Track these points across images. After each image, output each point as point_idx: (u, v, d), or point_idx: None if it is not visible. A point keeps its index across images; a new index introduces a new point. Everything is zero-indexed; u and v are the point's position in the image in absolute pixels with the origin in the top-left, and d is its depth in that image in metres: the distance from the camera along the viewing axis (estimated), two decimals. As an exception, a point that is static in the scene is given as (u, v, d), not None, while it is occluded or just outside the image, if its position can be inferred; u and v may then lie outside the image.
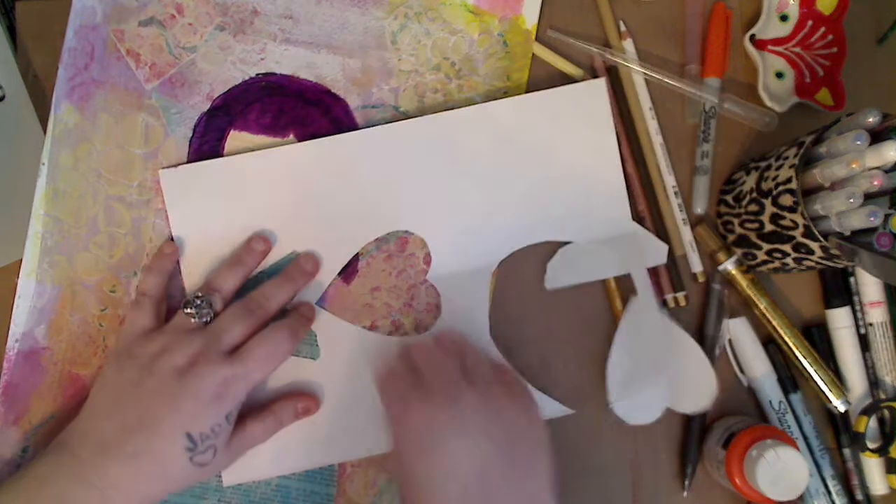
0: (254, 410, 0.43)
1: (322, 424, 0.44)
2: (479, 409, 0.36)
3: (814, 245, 0.38)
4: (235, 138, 0.46)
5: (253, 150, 0.46)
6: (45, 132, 0.46)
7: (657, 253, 0.46)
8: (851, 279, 0.47)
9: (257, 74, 0.46)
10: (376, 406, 0.44)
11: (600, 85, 0.46)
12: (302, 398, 0.44)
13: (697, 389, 0.45)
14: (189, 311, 0.41)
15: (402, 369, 0.40)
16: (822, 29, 0.47)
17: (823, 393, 0.45)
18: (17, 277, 0.45)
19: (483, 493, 0.34)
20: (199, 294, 0.41)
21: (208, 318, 0.41)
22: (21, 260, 0.45)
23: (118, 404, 0.39)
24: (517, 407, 0.38)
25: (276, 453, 0.44)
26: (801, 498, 0.45)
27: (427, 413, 0.36)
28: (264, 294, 0.43)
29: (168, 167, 0.45)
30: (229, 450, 0.40)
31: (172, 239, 0.45)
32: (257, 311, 0.42)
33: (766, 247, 0.43)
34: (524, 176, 0.46)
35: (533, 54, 0.47)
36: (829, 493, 0.46)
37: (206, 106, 0.46)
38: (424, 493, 0.35)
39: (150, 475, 0.37)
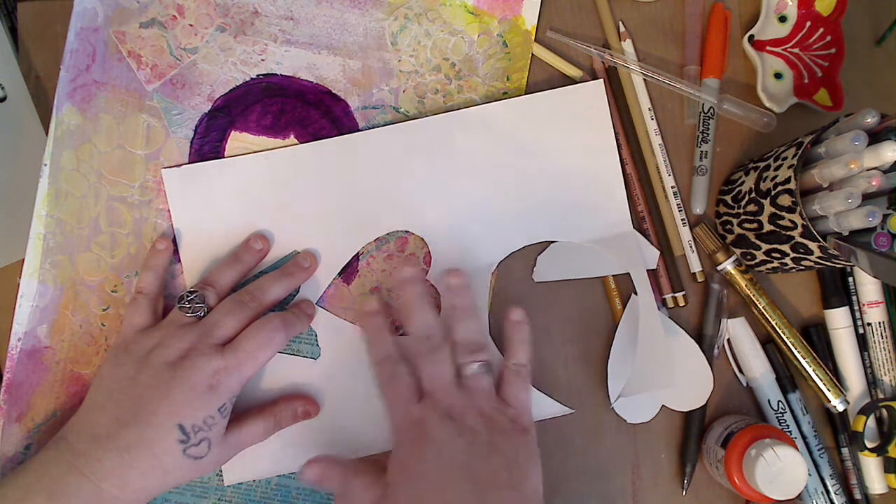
0: (254, 409, 0.43)
1: (322, 424, 0.44)
2: (464, 451, 0.37)
3: (812, 245, 0.39)
4: (236, 139, 0.46)
5: (254, 151, 0.46)
6: (46, 132, 0.46)
7: (648, 258, 0.46)
8: (850, 279, 0.47)
9: (258, 75, 0.47)
10: (376, 405, 0.44)
11: (599, 86, 0.46)
12: (302, 401, 0.44)
13: (695, 388, 0.45)
14: (182, 305, 0.41)
15: (404, 373, 0.41)
16: (821, 30, 0.47)
17: (822, 392, 0.45)
18: (19, 277, 0.45)
19: None
20: (193, 290, 0.42)
21: (202, 313, 0.41)
22: (23, 259, 0.45)
23: (113, 398, 0.39)
24: (506, 457, 0.38)
25: (277, 452, 0.44)
26: (799, 497, 0.45)
27: (421, 435, 0.38)
28: (259, 287, 0.43)
29: (171, 167, 0.46)
30: (226, 445, 0.40)
31: (174, 237, 0.45)
32: (250, 304, 0.42)
33: (764, 247, 0.43)
34: (524, 177, 0.46)
35: (532, 55, 0.48)
36: (827, 492, 0.46)
37: (207, 107, 0.46)
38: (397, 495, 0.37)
39: (143, 467, 0.37)
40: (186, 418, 0.38)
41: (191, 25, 0.47)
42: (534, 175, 0.46)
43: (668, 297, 0.46)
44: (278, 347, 0.41)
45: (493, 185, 0.46)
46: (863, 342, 0.46)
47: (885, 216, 0.37)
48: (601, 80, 0.46)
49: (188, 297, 0.41)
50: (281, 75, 0.47)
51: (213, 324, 0.41)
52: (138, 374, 0.39)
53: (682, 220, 0.47)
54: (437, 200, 0.46)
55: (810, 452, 0.46)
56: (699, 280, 0.47)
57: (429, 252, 0.46)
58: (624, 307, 0.46)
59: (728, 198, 0.46)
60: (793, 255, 0.41)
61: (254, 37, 0.47)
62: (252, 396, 0.44)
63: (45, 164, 0.45)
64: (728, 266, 0.46)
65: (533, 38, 0.48)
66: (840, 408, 0.45)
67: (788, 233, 0.40)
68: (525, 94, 0.47)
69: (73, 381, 0.45)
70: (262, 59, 0.47)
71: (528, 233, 0.46)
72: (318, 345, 0.45)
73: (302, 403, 0.44)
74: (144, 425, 0.37)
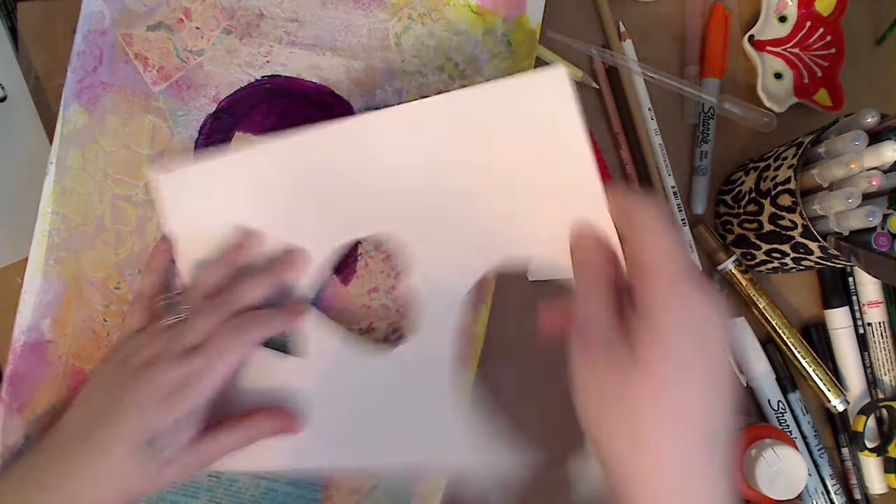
0: (233, 418, 0.40)
1: (319, 424, 0.42)
2: None
3: (812, 245, 0.39)
4: (240, 140, 0.47)
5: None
6: (46, 132, 0.46)
7: None
8: (850, 279, 0.47)
9: (263, 77, 0.47)
10: (370, 408, 0.42)
11: (560, 75, 0.35)
12: (284, 417, 0.41)
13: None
14: (162, 306, 0.41)
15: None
16: (821, 30, 0.47)
17: (822, 392, 0.45)
18: (20, 276, 0.45)
19: None
20: (173, 292, 0.41)
21: (183, 315, 0.40)
22: (23, 259, 0.45)
23: (93, 396, 0.39)
24: None
25: (274, 449, 0.42)
26: (799, 497, 0.45)
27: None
28: (239, 286, 0.41)
29: (162, 174, 0.43)
30: (197, 453, 0.38)
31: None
32: (223, 306, 0.40)
33: (765, 247, 0.43)
34: (480, 180, 0.38)
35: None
36: (827, 492, 0.46)
37: (212, 108, 0.47)
38: None
39: (110, 469, 0.36)
40: (148, 423, 0.37)
41: (197, 28, 0.47)
42: (489, 178, 0.38)
43: (669, 296, 0.46)
44: (250, 347, 0.40)
45: (454, 191, 0.39)
46: (863, 342, 0.47)
47: (885, 216, 0.38)
48: (563, 68, 0.35)
49: (167, 299, 0.41)
50: (285, 76, 0.47)
51: (185, 327, 0.39)
52: (113, 375, 0.39)
53: (683, 220, 0.47)
54: (412, 203, 0.40)
55: (810, 452, 0.46)
56: (699, 280, 0.47)
57: (410, 254, 0.41)
58: (624, 307, 0.46)
59: (728, 198, 0.46)
60: (793, 255, 0.41)
61: (259, 39, 0.47)
62: (236, 401, 0.42)
63: (52, 163, 0.46)
64: (728, 266, 0.46)
65: (537, 36, 0.48)
66: (840, 408, 0.45)
67: (788, 233, 0.40)
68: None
69: (75, 375, 0.45)
70: (267, 61, 0.47)
71: (496, 247, 0.39)
72: (307, 346, 0.43)
73: (282, 419, 0.41)
74: (106, 427, 0.37)
